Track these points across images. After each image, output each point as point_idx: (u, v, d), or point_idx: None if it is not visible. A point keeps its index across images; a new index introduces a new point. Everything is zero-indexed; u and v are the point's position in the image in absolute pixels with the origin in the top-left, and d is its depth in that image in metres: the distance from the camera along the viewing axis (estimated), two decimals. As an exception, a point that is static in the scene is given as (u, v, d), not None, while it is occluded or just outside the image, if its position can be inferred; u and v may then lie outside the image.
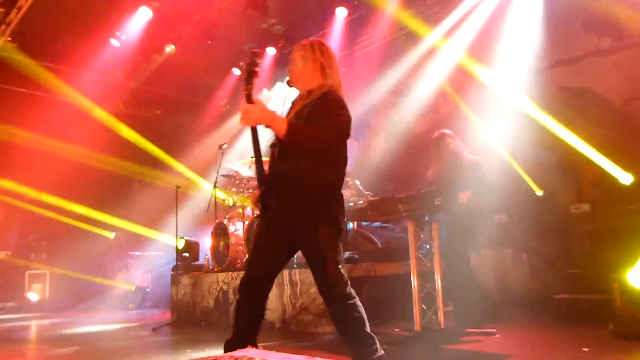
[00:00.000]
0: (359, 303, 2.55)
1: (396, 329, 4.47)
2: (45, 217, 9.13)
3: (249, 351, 2.24)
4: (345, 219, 2.66)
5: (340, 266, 2.53)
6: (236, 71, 9.99)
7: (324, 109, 2.55)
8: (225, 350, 2.60)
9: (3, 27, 7.78)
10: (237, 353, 2.11)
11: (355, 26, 8.44)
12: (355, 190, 5.97)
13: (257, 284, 2.70)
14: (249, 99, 2.52)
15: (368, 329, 2.53)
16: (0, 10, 7.65)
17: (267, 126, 2.52)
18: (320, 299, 4.86)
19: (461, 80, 7.71)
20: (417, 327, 4.14)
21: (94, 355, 4.50)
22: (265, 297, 2.73)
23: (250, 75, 2.59)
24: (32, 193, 9.01)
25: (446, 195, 3.88)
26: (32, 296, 9.50)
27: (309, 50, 2.74)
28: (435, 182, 4.80)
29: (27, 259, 9.59)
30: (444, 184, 4.37)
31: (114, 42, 8.43)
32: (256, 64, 2.61)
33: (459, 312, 4.49)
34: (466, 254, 4.54)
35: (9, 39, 8.00)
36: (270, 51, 9.48)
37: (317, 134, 2.49)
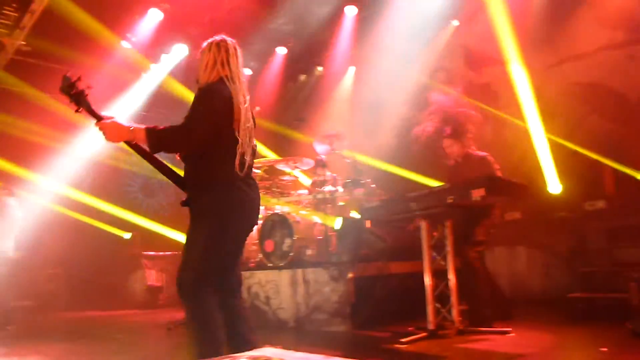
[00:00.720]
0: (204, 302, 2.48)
1: (410, 328, 4.47)
2: (61, 215, 9.23)
3: (266, 350, 2.24)
4: (244, 213, 2.58)
5: (202, 257, 2.47)
6: (247, 71, 10.03)
7: (192, 104, 2.53)
8: None
9: (17, 31, 7.87)
10: (255, 352, 2.11)
11: (366, 23, 8.43)
12: (367, 188, 5.97)
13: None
14: (97, 118, 2.49)
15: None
16: (14, 14, 7.75)
17: (130, 141, 2.48)
18: (334, 298, 4.90)
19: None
20: (431, 326, 4.13)
21: (112, 353, 4.55)
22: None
23: (76, 98, 2.51)
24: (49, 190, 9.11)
25: (459, 193, 3.87)
26: (48, 295, 9.62)
27: (205, 49, 2.74)
28: (447, 179, 4.80)
29: (43, 258, 9.70)
30: (456, 181, 4.36)
31: (125, 44, 8.50)
32: (72, 86, 2.50)
33: (473, 310, 4.47)
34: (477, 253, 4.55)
35: (23, 42, 8.10)
36: (281, 50, 9.50)
37: (181, 130, 2.45)
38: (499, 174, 4.73)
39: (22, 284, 9.11)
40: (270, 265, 5.74)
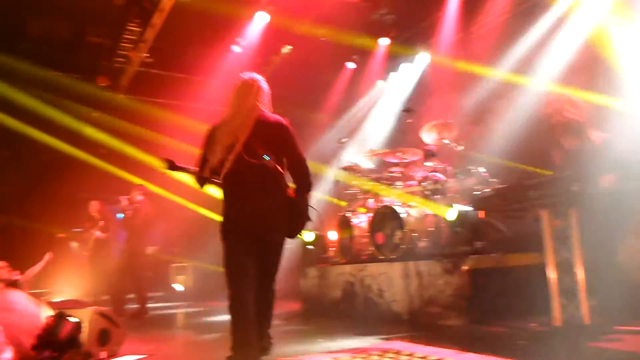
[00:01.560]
0: None
1: (532, 324, 4.22)
2: (185, 215, 9.96)
3: (395, 344, 2.26)
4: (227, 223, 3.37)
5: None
6: (350, 65, 10.09)
7: (292, 140, 3.35)
8: None
9: (141, 45, 8.62)
10: (384, 345, 2.12)
11: (469, 6, 8.07)
12: (479, 178, 5.73)
13: None
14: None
15: None
16: (137, 29, 8.49)
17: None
18: (449, 291, 4.77)
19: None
20: (556, 322, 3.87)
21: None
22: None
23: (177, 170, 3.37)
24: (171, 195, 9.87)
25: (585, 180, 3.57)
26: (177, 287, 10.48)
27: (261, 83, 3.41)
28: (565, 166, 4.44)
29: (172, 254, 10.58)
30: (577, 168, 4.02)
31: (235, 48, 8.94)
32: (172, 165, 3.36)
33: (605, 307, 4.11)
34: (612, 245, 4.15)
35: (147, 55, 8.84)
36: (383, 41, 9.42)
37: (308, 168, 3.40)
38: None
39: (156, 277, 10.02)
40: (382, 257, 5.74)
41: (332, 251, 7.01)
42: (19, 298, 3.68)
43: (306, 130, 10.57)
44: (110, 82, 9.51)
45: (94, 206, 7.62)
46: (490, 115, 8.59)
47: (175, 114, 9.39)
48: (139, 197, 7.33)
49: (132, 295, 7.45)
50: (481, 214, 5.51)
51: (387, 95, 10.11)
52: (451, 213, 5.20)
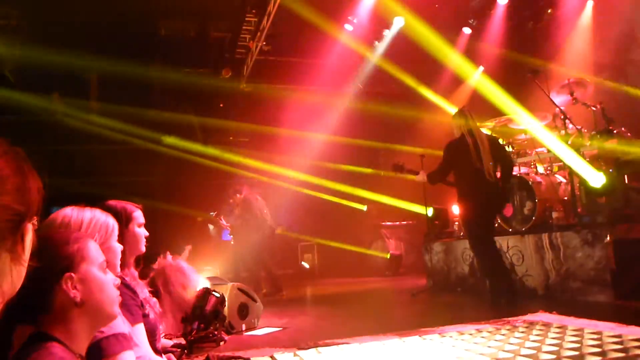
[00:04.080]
0: None
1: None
2: (308, 195, 10.32)
3: (542, 315, 2.16)
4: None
5: None
6: (466, 30, 9.60)
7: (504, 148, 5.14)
8: None
9: (258, 34, 8.98)
10: (531, 317, 2.04)
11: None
12: (621, 139, 5.16)
13: None
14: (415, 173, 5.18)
15: None
16: (254, 19, 8.86)
17: None
18: (590, 264, 4.41)
19: None
20: None
21: (363, 316, 4.94)
22: None
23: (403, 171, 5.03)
24: (297, 175, 10.26)
25: None
26: (305, 265, 10.92)
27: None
28: None
29: (298, 232, 11.02)
30: None
31: (347, 27, 8.94)
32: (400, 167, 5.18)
33: None
34: None
35: (264, 43, 9.19)
36: (502, 0, 8.87)
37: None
38: None
39: (285, 255, 10.54)
40: (511, 230, 5.46)
41: (456, 225, 6.83)
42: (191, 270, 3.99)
43: (423, 102, 10.29)
44: (233, 73, 10.06)
45: (232, 191, 8.13)
46: (631, 67, 7.67)
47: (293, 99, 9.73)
48: (240, 195, 7.69)
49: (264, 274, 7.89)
50: (625, 179, 4.98)
51: (509, 57, 9.47)
52: (594, 179, 4.77)
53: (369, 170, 9.89)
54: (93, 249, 1.32)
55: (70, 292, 1.21)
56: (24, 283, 0.81)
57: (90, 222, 1.73)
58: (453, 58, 9.26)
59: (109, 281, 1.32)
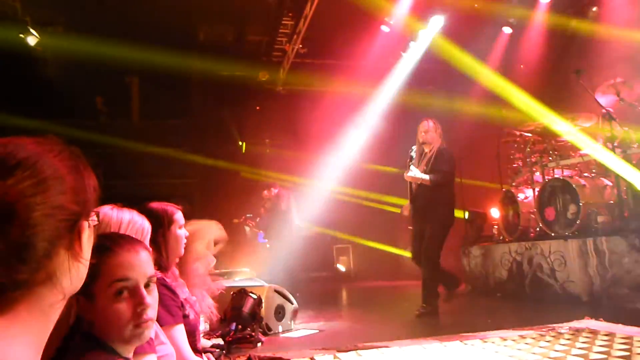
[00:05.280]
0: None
1: None
2: (343, 200, 10.31)
3: (588, 322, 2.10)
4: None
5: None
6: (506, 29, 9.40)
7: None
8: None
9: (295, 37, 9.04)
10: (576, 324, 1.98)
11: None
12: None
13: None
14: None
15: None
16: (290, 22, 8.92)
17: None
18: (638, 271, 4.24)
19: None
20: None
21: (401, 321, 4.89)
22: None
23: None
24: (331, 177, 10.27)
25: None
26: (340, 267, 10.91)
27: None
28: None
29: (334, 235, 11.02)
30: None
31: (384, 28, 8.89)
32: None
33: None
34: None
35: (300, 46, 9.24)
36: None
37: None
38: None
39: (320, 257, 10.55)
40: (553, 235, 5.31)
41: (495, 229, 6.70)
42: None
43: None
44: (269, 75, 10.17)
45: (266, 185, 8.24)
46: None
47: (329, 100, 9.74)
48: (274, 191, 7.79)
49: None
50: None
51: (552, 57, 9.21)
52: (637, 183, 4.60)
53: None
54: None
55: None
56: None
57: (129, 223, 1.76)
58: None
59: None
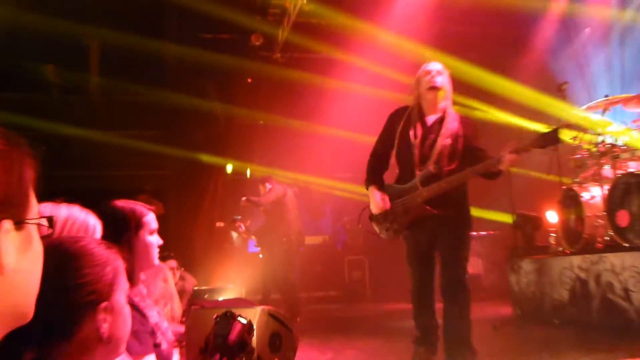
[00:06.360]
0: None
1: None
2: (353, 200, 10.30)
3: None
4: None
5: None
6: None
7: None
8: None
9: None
10: None
11: None
12: None
13: None
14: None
15: None
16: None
17: None
18: None
19: None
20: None
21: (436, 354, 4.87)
22: None
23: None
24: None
25: None
26: (353, 284, 10.91)
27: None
28: None
29: (344, 244, 11.03)
30: None
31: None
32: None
33: None
34: None
35: (304, 2, 9.18)
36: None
37: None
38: None
39: (329, 272, 10.54)
40: (627, 245, 5.29)
41: (552, 238, 6.69)
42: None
43: (510, 73, 10.03)
44: (264, 39, 10.09)
45: (259, 180, 8.23)
46: None
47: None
48: (268, 186, 7.79)
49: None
50: None
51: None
52: None
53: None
54: (122, 270, 1.33)
55: (101, 325, 1.23)
56: (50, 302, 0.81)
57: (66, 222, 1.68)
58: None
59: (129, 313, 1.33)
